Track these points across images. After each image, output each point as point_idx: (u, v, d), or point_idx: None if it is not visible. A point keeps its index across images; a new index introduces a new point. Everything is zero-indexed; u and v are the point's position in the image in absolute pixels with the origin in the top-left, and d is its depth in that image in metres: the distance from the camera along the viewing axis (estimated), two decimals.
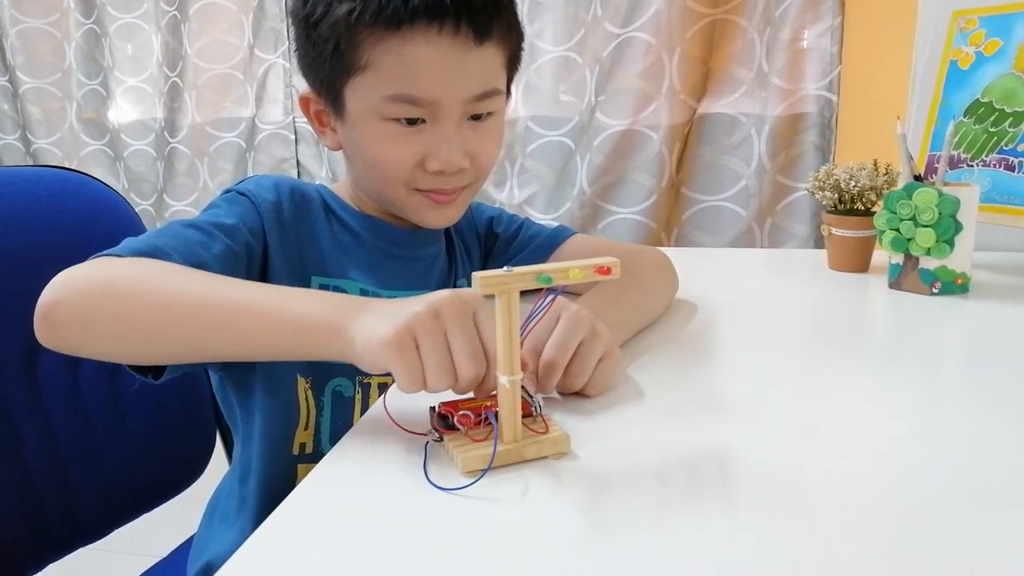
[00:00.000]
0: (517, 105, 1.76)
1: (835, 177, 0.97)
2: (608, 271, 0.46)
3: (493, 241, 0.84)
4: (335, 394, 0.67)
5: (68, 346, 0.50)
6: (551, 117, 1.74)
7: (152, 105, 2.11)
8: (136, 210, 0.83)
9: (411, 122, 0.64)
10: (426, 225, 0.71)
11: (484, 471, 0.44)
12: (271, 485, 0.66)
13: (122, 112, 2.15)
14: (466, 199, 0.71)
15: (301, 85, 0.69)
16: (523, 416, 0.47)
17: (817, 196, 0.99)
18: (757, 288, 0.94)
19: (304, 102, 0.70)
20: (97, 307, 0.48)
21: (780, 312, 0.81)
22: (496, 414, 0.47)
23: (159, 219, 2.14)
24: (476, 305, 0.46)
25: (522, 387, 0.47)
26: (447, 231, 0.80)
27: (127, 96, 2.14)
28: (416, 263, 0.74)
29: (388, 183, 0.68)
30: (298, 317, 0.48)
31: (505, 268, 0.44)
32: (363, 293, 0.69)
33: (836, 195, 0.98)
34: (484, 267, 0.84)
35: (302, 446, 0.66)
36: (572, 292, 0.83)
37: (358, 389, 0.68)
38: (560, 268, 0.45)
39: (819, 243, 1.59)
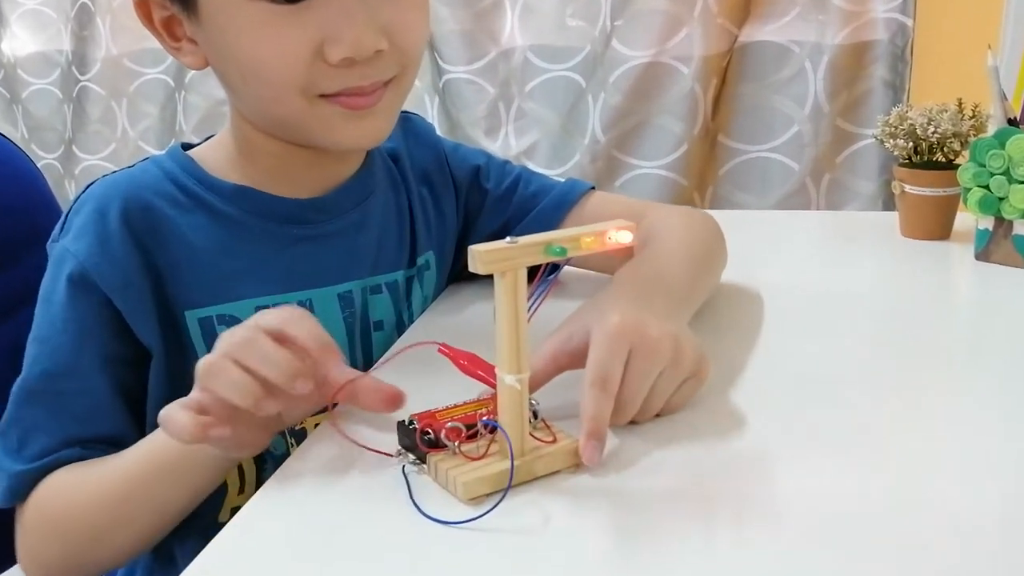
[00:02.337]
0: (513, 31, 1.75)
1: (910, 121, 0.97)
2: (627, 238, 0.45)
3: (479, 199, 0.81)
4: (271, 455, 0.66)
5: None
6: (555, 47, 1.72)
7: (56, 33, 2.09)
8: (38, 165, 0.82)
9: None
10: (345, 147, 0.66)
11: (502, 493, 0.44)
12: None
13: (18, 42, 2.13)
14: (395, 101, 0.65)
15: None
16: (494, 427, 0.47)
17: (887, 145, 0.99)
18: (811, 260, 0.94)
19: (142, 6, 0.62)
20: (66, 556, 0.60)
21: (840, 291, 0.81)
22: (494, 422, 0.47)
23: (67, 176, 2.13)
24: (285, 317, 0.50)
25: None
26: (389, 180, 0.76)
27: (24, 22, 2.12)
28: (335, 242, 0.69)
29: (279, 94, 0.60)
30: (161, 456, 0.55)
31: (508, 240, 0.43)
32: (261, 311, 0.66)
33: (911, 144, 0.97)
34: (464, 234, 0.82)
35: (233, 510, 0.66)
36: (587, 267, 0.82)
37: (291, 441, 0.66)
38: (569, 236, 0.45)
39: (889, 204, 1.57)
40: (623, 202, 0.84)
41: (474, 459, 0.46)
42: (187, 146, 0.70)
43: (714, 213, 0.82)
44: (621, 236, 0.46)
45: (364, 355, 0.71)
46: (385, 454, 0.48)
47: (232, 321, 0.65)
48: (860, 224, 1.12)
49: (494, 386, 0.47)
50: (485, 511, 0.43)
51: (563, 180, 0.84)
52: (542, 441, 0.48)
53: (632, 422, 0.53)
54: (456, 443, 0.47)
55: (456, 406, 0.49)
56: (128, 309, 0.62)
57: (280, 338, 0.49)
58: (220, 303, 0.64)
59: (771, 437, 0.52)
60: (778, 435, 0.52)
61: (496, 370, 0.46)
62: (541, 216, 0.80)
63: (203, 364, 0.49)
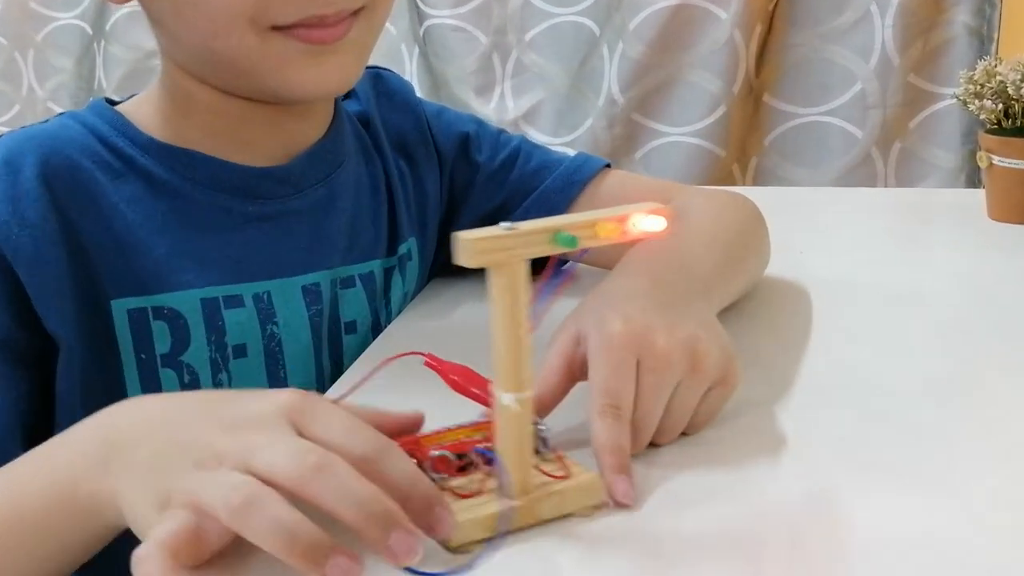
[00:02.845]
0: None
1: (999, 78, 0.97)
2: (659, 225, 0.45)
3: (468, 175, 0.82)
4: None
5: None
6: None
7: None
8: None
9: None
10: (305, 94, 0.66)
11: (497, 540, 0.43)
12: None
13: None
14: (365, 36, 0.65)
15: None
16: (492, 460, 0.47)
17: (971, 107, 0.99)
18: (876, 249, 0.94)
19: None
20: None
21: (912, 286, 0.81)
22: (492, 452, 0.46)
23: None
24: (304, 406, 0.43)
25: None
26: (361, 149, 0.76)
27: None
28: (299, 222, 0.70)
29: (221, 26, 0.60)
30: (21, 503, 0.48)
31: (505, 225, 0.43)
32: (209, 305, 0.66)
33: (1000, 105, 0.97)
34: (449, 217, 0.81)
35: None
36: (602, 263, 0.82)
37: None
38: (583, 221, 0.44)
39: (974, 179, 1.57)
40: (646, 183, 0.84)
41: (465, 496, 0.46)
42: (111, 102, 0.70)
43: (758, 191, 0.83)
44: (650, 223, 0.45)
45: (333, 362, 0.72)
46: None
47: (171, 316, 0.64)
48: (938, 204, 1.12)
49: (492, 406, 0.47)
50: (474, 562, 0.42)
51: (572, 154, 0.84)
52: (551, 476, 0.47)
53: (653, 444, 0.53)
54: (444, 476, 0.47)
55: (447, 430, 0.49)
56: (38, 288, 0.61)
57: (367, 471, 0.41)
58: (157, 293, 0.64)
59: (826, 464, 0.52)
60: (834, 461, 0.52)
61: (492, 388, 0.46)
62: (545, 198, 0.80)
63: (229, 490, 0.40)
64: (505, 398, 0.45)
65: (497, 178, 0.81)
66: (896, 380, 0.63)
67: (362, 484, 0.39)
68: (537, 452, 0.48)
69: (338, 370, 0.71)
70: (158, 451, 0.44)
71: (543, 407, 0.52)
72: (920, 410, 0.58)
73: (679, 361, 0.52)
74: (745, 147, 1.71)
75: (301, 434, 0.42)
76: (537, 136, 1.73)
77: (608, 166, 0.83)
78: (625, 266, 0.63)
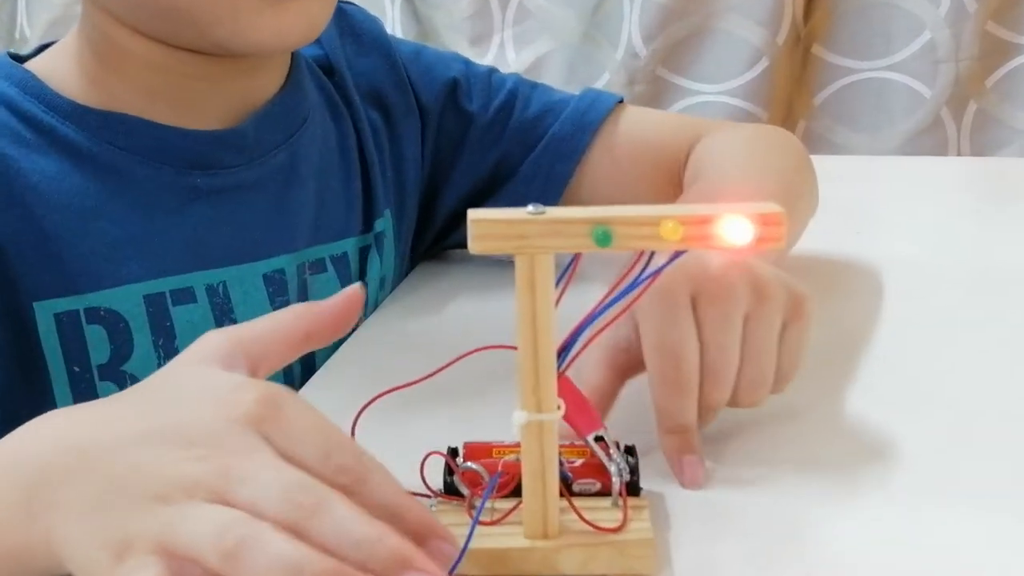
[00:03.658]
0: None
1: None
2: (770, 228, 0.41)
3: (459, 128, 0.82)
4: None
5: None
6: None
7: None
8: None
9: None
10: (261, 47, 0.65)
11: None
12: None
13: None
14: None
15: None
16: (575, 491, 0.47)
17: None
18: (948, 226, 0.94)
19: None
20: None
21: (991, 271, 0.81)
22: (499, 479, 0.47)
23: None
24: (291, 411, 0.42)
25: (599, 437, 0.47)
26: (326, 104, 0.75)
27: None
28: (257, 197, 0.70)
29: None
30: None
31: (531, 208, 0.42)
32: (154, 302, 0.66)
33: None
34: (434, 182, 0.81)
35: None
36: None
37: None
38: (642, 216, 0.42)
39: None
40: (671, 121, 0.84)
41: (485, 523, 0.46)
42: (16, 58, 0.69)
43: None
44: (741, 229, 0.41)
45: (303, 361, 0.71)
46: (424, 494, 0.48)
47: (109, 318, 0.64)
48: (1020, 175, 1.12)
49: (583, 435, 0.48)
50: None
51: (577, 93, 0.83)
52: (592, 525, 0.46)
53: (732, 404, 0.52)
54: (469, 494, 0.47)
55: (509, 445, 0.49)
56: None
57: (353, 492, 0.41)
58: (90, 291, 0.64)
59: (904, 482, 0.52)
60: (910, 478, 0.52)
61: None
62: (554, 148, 0.80)
63: (217, 529, 0.39)
64: (523, 417, 0.44)
65: (494, 128, 0.81)
66: (971, 383, 0.63)
67: (365, 522, 0.38)
68: (601, 491, 0.48)
69: (309, 371, 0.70)
70: (99, 486, 0.41)
71: (598, 409, 0.51)
72: (1003, 420, 0.58)
73: (740, 285, 0.51)
74: (791, 108, 1.70)
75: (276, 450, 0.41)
76: None
77: (622, 101, 0.82)
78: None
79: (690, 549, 0.47)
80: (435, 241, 0.86)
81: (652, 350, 0.50)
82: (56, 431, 0.45)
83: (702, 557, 0.47)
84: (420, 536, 0.40)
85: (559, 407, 0.45)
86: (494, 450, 0.49)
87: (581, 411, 0.48)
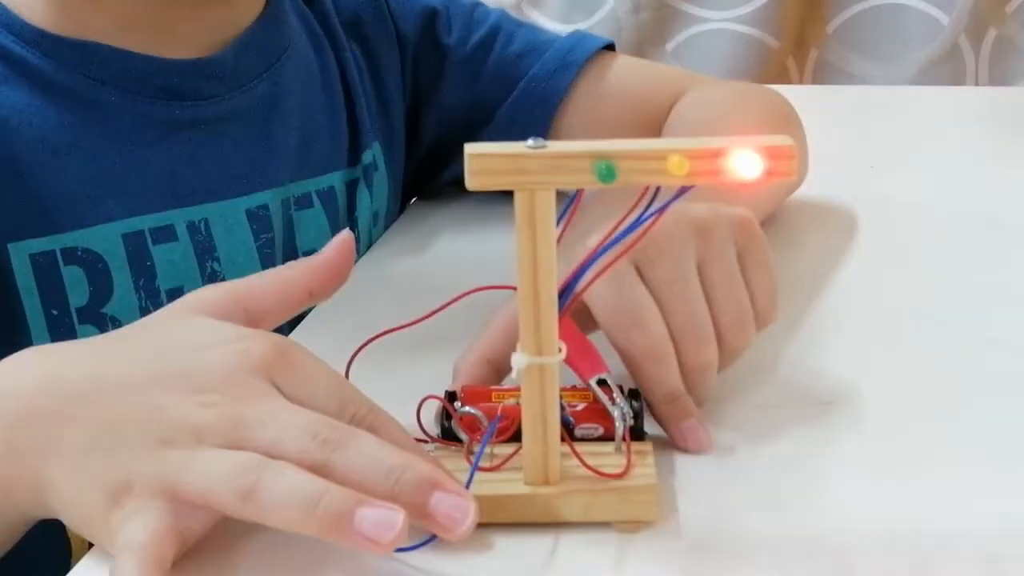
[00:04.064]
0: None
1: None
2: (779, 162, 0.40)
3: (435, 60, 0.82)
4: None
5: None
6: None
7: None
8: None
9: None
10: None
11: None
12: None
13: None
14: None
15: None
16: (577, 436, 0.47)
17: None
18: (968, 160, 0.93)
19: None
20: None
21: (1013, 209, 0.80)
22: (499, 424, 0.46)
23: None
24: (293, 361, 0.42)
25: (602, 380, 0.47)
26: (307, 34, 0.75)
27: None
28: (238, 128, 0.70)
29: None
30: None
31: (531, 141, 0.42)
32: (133, 241, 0.65)
33: None
34: (414, 115, 0.81)
35: None
36: None
37: None
38: (649, 150, 0.41)
39: None
40: (653, 71, 0.84)
41: (484, 469, 0.46)
42: None
43: (819, 90, 0.84)
44: (749, 164, 0.40)
45: None
46: (421, 440, 0.48)
47: (88, 259, 0.63)
48: None
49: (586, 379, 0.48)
50: (419, 543, 0.41)
51: (564, 35, 0.83)
52: (595, 471, 0.46)
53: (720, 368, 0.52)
54: (468, 439, 0.47)
55: (509, 389, 0.49)
56: None
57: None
58: (65, 230, 0.63)
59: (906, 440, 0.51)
60: (920, 432, 0.51)
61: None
62: (535, 87, 0.80)
63: (235, 469, 0.38)
64: (521, 360, 0.44)
65: (471, 65, 0.81)
66: (992, 330, 0.62)
67: (394, 452, 0.40)
68: (603, 436, 0.48)
69: (299, 315, 0.70)
70: (96, 427, 0.40)
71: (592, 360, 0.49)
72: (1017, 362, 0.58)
73: (679, 233, 0.49)
74: (803, 36, 1.70)
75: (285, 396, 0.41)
76: (544, 23, 1.71)
77: (611, 47, 0.83)
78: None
79: (696, 494, 0.47)
80: (425, 179, 0.86)
81: (612, 329, 0.49)
82: (41, 369, 0.43)
83: (709, 502, 0.46)
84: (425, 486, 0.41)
85: (560, 350, 0.44)
86: (493, 394, 0.49)
87: (584, 354, 0.48)
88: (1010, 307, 0.65)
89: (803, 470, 0.49)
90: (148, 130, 0.66)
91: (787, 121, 0.78)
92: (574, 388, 0.49)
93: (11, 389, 0.42)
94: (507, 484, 0.46)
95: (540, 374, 0.44)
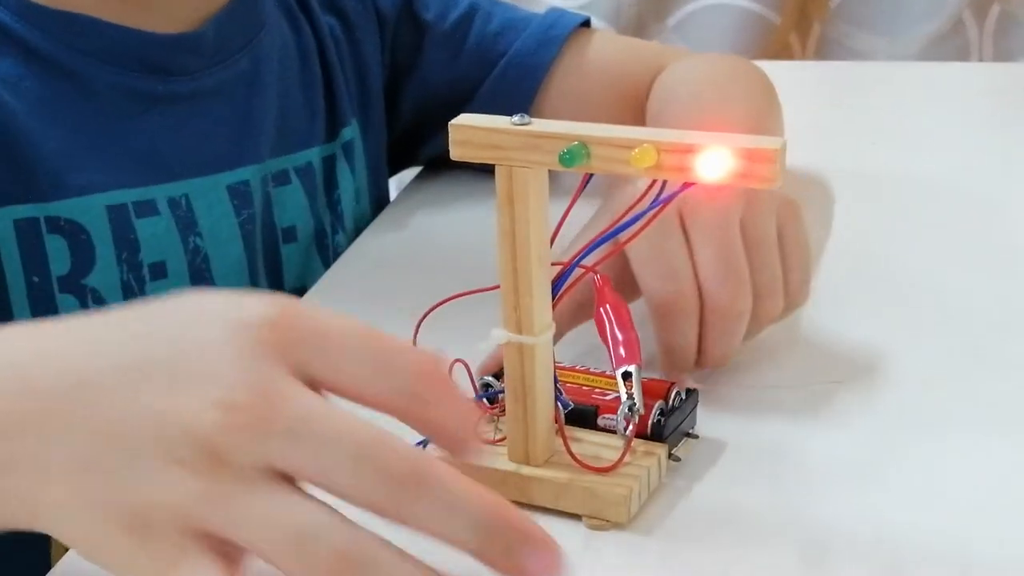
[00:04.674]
0: None
1: None
2: (758, 166, 0.39)
3: (414, 37, 0.82)
4: None
5: None
6: None
7: None
8: None
9: None
10: None
11: None
12: None
13: None
14: None
15: None
16: (599, 424, 0.47)
17: None
18: (971, 138, 0.92)
19: None
20: None
21: (1017, 188, 0.80)
22: (490, 394, 0.47)
23: None
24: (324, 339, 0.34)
25: (627, 373, 0.46)
26: (283, 10, 0.75)
27: None
28: (218, 104, 0.70)
29: None
30: None
31: (516, 117, 0.42)
32: (117, 213, 0.65)
33: None
34: (393, 92, 0.81)
35: None
36: None
37: None
38: (621, 138, 0.41)
39: None
40: (633, 46, 0.84)
41: (489, 442, 0.47)
42: None
43: (822, 66, 0.83)
44: (717, 161, 0.39)
45: (271, 281, 0.72)
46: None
47: (70, 229, 0.63)
48: None
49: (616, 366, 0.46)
50: None
51: (541, 12, 0.84)
52: (579, 462, 0.45)
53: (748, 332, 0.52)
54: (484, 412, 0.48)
55: (572, 369, 0.50)
56: None
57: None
58: (49, 200, 0.63)
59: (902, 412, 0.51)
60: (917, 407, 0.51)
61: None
62: (517, 64, 0.80)
63: (280, 523, 0.32)
64: (496, 334, 0.44)
65: (450, 43, 0.81)
66: (993, 307, 0.62)
67: (476, 493, 0.33)
68: (608, 428, 0.47)
69: (279, 291, 0.72)
70: (87, 437, 0.34)
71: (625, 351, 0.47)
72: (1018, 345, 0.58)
73: (727, 189, 0.49)
74: (805, 11, 1.69)
75: (310, 381, 0.33)
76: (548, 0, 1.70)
77: (588, 24, 0.83)
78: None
79: (699, 493, 0.47)
80: (404, 156, 0.87)
81: (642, 276, 0.51)
82: (22, 353, 0.36)
83: (707, 511, 0.46)
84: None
85: (547, 331, 0.44)
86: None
87: (624, 344, 0.47)
88: (1013, 281, 0.65)
89: (800, 454, 0.49)
90: (129, 103, 0.66)
91: (767, 89, 0.78)
92: (603, 373, 0.50)
93: None
94: (494, 457, 0.46)
95: (519, 353, 0.44)
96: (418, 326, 0.47)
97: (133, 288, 0.65)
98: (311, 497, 0.32)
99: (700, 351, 0.52)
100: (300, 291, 0.72)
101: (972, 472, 0.47)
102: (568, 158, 0.41)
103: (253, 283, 0.70)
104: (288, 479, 0.32)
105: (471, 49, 0.81)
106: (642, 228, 0.46)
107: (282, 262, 0.72)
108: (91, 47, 0.65)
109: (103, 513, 0.33)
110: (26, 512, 0.35)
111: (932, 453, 0.49)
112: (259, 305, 0.34)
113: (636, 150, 0.40)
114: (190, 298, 0.35)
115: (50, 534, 0.35)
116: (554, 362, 0.46)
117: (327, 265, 0.74)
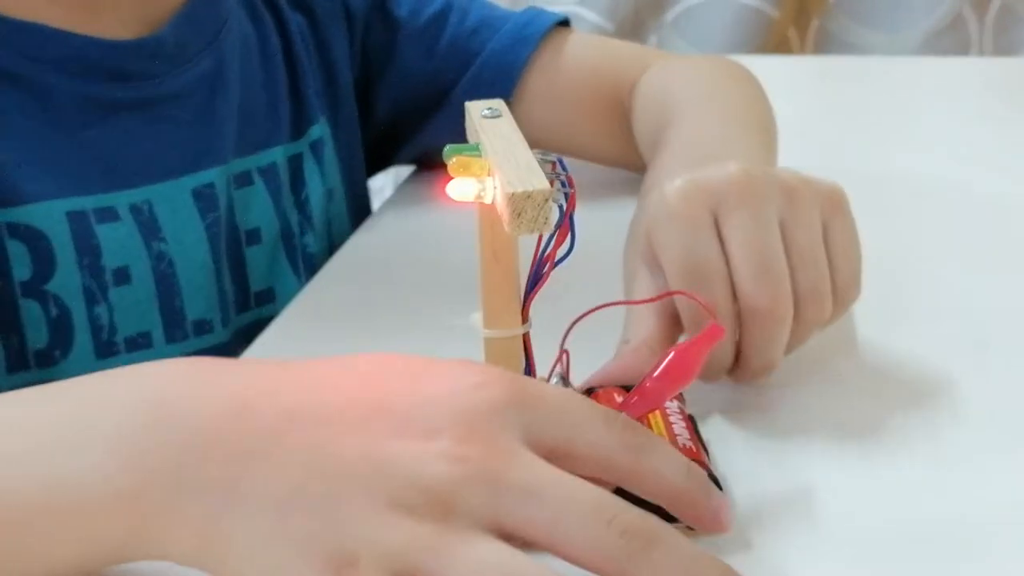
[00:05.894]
0: None
1: None
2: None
3: (386, 34, 0.82)
4: None
5: None
6: None
7: None
8: None
9: None
10: None
11: None
12: None
13: None
14: None
15: None
16: None
17: None
18: (972, 134, 0.92)
19: None
20: None
21: (1017, 185, 0.79)
22: None
23: None
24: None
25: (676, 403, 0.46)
26: (245, 6, 0.75)
27: None
28: (181, 108, 0.69)
29: None
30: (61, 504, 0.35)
31: (488, 110, 0.44)
32: (77, 220, 0.65)
33: None
34: (364, 91, 0.81)
35: None
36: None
37: None
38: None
39: None
40: (613, 46, 0.84)
41: None
42: None
43: (821, 60, 0.83)
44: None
45: (237, 286, 0.71)
46: None
47: (31, 235, 0.63)
48: None
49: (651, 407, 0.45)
50: None
51: (520, 10, 0.84)
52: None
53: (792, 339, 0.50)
54: None
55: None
56: None
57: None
58: (10, 206, 0.63)
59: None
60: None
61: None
62: (493, 62, 0.80)
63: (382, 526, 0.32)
64: (474, 318, 0.44)
65: (425, 40, 0.81)
66: (992, 307, 0.62)
67: (708, 561, 0.33)
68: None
69: (245, 296, 0.71)
70: (300, 473, 0.33)
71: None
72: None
73: (765, 187, 0.49)
74: (804, 5, 1.69)
75: (536, 445, 0.34)
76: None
77: (567, 23, 0.83)
78: (662, 157, 0.65)
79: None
80: (383, 155, 0.86)
81: (675, 284, 0.48)
82: (227, 390, 0.36)
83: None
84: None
85: (521, 326, 0.43)
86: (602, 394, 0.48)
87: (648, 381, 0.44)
88: (1013, 276, 0.65)
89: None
90: (88, 112, 0.66)
91: (757, 90, 0.78)
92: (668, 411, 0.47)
93: (190, 409, 0.35)
94: None
95: (497, 347, 0.43)
96: (564, 338, 0.45)
97: (95, 294, 0.65)
98: (522, 552, 0.32)
99: (739, 361, 0.50)
100: (267, 293, 0.72)
101: (972, 472, 0.47)
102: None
103: (220, 288, 0.70)
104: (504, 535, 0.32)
105: (445, 47, 0.81)
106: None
107: (247, 264, 0.72)
108: (47, 56, 0.65)
109: (307, 547, 0.32)
110: (200, 539, 0.34)
111: (935, 450, 0.48)
112: (493, 371, 0.36)
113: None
114: (419, 356, 0.37)
115: (212, 569, 0.34)
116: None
117: (295, 266, 0.74)
